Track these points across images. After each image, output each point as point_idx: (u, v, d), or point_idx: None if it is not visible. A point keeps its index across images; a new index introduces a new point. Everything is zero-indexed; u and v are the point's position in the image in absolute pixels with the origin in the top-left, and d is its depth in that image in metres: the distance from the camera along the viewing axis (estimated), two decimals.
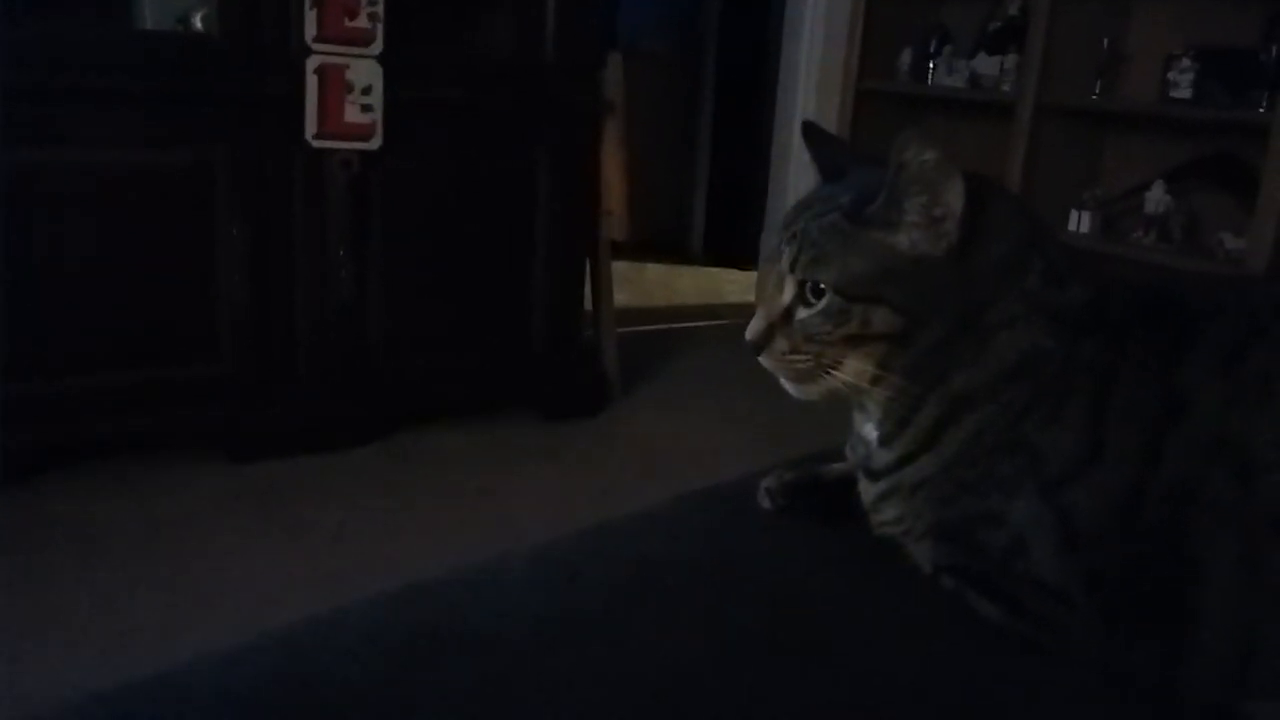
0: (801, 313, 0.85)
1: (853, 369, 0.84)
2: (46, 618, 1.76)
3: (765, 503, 0.98)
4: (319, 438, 2.47)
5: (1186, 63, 3.03)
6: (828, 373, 0.85)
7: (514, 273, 2.71)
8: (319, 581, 1.92)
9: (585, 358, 2.94)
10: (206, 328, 2.33)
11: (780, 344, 0.86)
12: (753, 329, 0.87)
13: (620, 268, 3.44)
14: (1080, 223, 3.33)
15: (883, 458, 0.89)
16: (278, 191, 2.34)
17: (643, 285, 4.43)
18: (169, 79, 2.20)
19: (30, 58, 2.05)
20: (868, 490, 0.91)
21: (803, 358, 0.85)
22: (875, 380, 0.84)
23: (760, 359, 0.88)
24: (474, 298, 2.67)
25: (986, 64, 3.61)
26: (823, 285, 0.83)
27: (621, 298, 3.18)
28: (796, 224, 0.87)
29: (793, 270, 0.85)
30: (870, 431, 0.90)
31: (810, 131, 0.98)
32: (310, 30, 2.25)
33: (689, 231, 5.31)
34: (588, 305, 2.95)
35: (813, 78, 3.95)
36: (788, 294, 0.86)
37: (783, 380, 0.88)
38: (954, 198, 0.81)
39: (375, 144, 2.38)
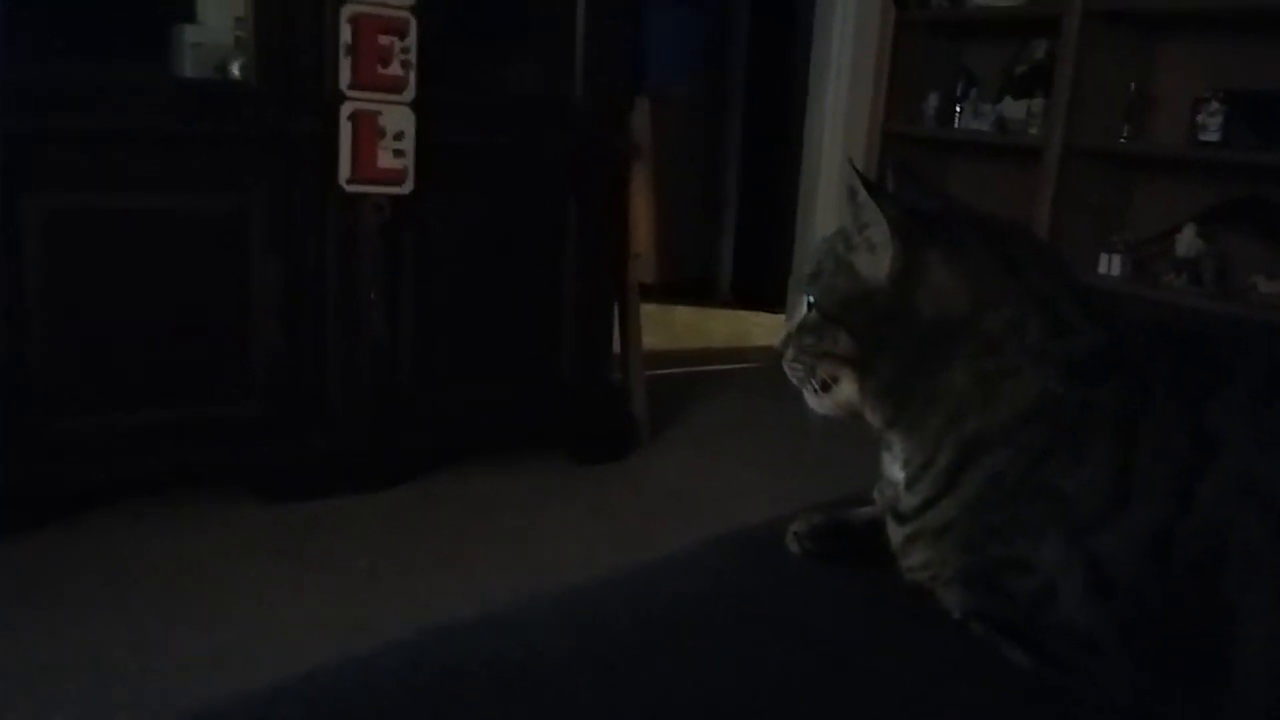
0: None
1: (845, 388, 0.90)
2: (82, 657, 1.77)
3: (793, 547, 0.98)
4: (351, 478, 2.49)
5: (1215, 105, 3.03)
6: (822, 387, 0.91)
7: (543, 315, 2.73)
8: (350, 623, 1.93)
9: (614, 400, 2.95)
10: (241, 368, 2.36)
11: (790, 351, 0.93)
12: (779, 335, 0.95)
13: (649, 310, 3.46)
14: (1110, 266, 3.32)
15: (908, 501, 0.89)
16: (311, 234, 2.38)
17: (671, 328, 4.45)
18: (207, 124, 2.25)
19: (70, 102, 2.12)
20: (895, 533, 0.91)
21: (799, 367, 0.92)
22: (864, 403, 0.90)
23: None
24: (504, 340, 2.69)
25: (1013, 108, 3.62)
26: (811, 300, 0.91)
27: (650, 340, 3.19)
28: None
29: (803, 284, 0.93)
30: (896, 473, 0.91)
31: (898, 169, 1.00)
32: (345, 78, 2.30)
33: (717, 274, 5.33)
34: (617, 348, 2.96)
35: (839, 121, 3.97)
36: (803, 306, 0.93)
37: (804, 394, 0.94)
38: (881, 228, 0.86)
39: (407, 188, 2.42)
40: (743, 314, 4.89)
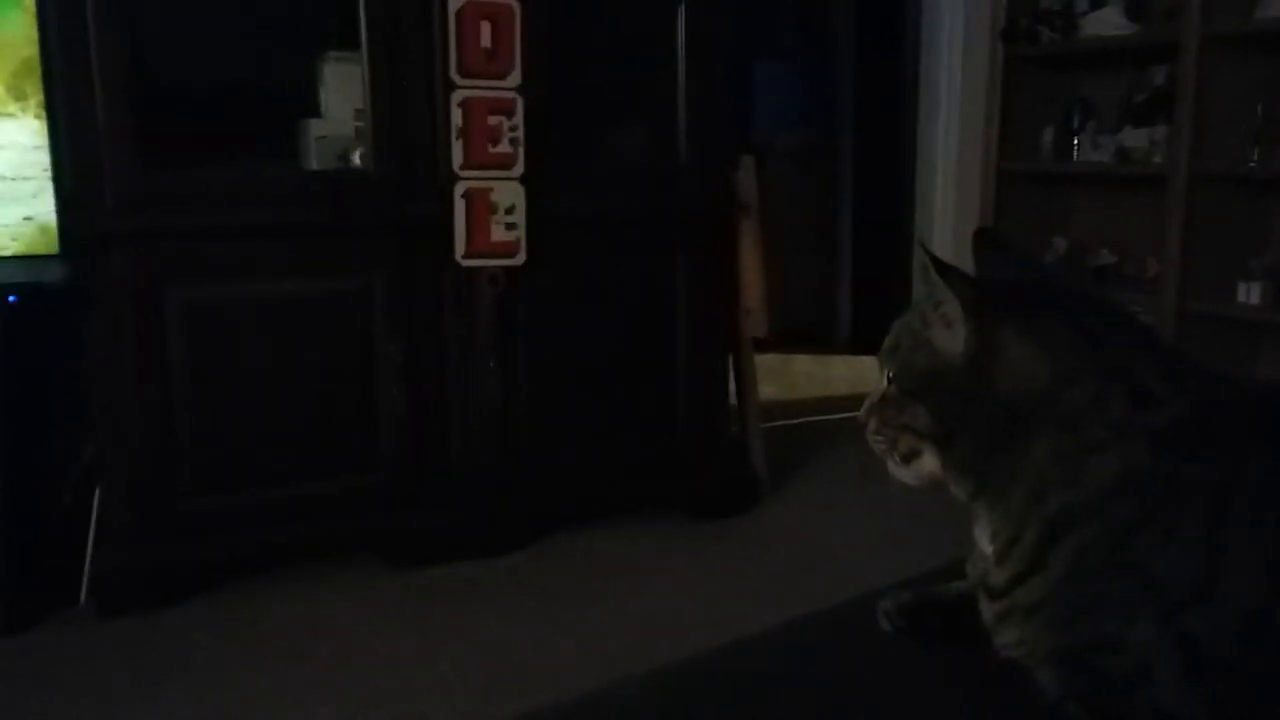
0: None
1: (928, 461, 0.90)
2: None
3: (884, 624, 0.97)
4: (473, 542, 2.56)
5: None
6: (904, 460, 0.91)
7: (658, 374, 2.76)
8: (477, 689, 1.98)
9: (732, 455, 2.96)
10: (368, 440, 2.47)
11: (872, 423, 0.93)
12: (864, 407, 0.95)
13: (767, 360, 3.45)
14: (1250, 294, 3.18)
15: (997, 577, 0.88)
16: (430, 309, 2.48)
17: (790, 377, 4.43)
18: (332, 212, 2.38)
19: (207, 201, 2.28)
20: (987, 609, 0.90)
21: (882, 439, 0.93)
22: (947, 477, 0.89)
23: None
24: (619, 400, 2.73)
25: (1134, 137, 3.51)
26: (890, 374, 0.91)
27: (769, 390, 3.19)
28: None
29: (881, 357, 0.94)
30: (987, 546, 0.90)
31: (981, 239, 0.97)
32: (457, 159, 2.40)
33: (835, 321, 5.29)
34: (734, 401, 2.97)
35: (951, 161, 3.93)
36: (884, 379, 0.93)
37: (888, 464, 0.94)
38: (953, 306, 0.85)
39: (520, 259, 2.50)
40: (863, 359, 4.83)
